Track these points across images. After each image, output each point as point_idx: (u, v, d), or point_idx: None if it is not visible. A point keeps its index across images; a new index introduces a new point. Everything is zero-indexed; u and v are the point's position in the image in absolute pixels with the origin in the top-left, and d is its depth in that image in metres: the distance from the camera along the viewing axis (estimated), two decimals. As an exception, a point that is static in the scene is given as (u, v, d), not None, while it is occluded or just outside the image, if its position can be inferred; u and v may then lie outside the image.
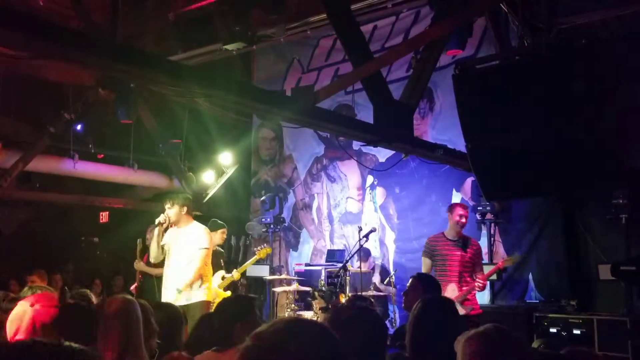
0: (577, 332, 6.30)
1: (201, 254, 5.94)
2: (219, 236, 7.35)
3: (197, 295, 5.94)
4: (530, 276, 7.72)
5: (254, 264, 8.18)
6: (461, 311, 6.08)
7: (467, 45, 6.84)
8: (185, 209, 6.08)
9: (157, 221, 6.10)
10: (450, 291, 6.27)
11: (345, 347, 1.38)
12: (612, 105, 4.56)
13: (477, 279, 6.27)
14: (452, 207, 6.53)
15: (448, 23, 5.36)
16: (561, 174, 4.76)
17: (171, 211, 6.05)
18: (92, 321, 3.04)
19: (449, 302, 3.42)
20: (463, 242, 6.39)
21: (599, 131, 4.49)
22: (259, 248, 8.13)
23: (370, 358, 2.18)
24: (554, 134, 4.62)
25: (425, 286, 4.49)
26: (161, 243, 6.14)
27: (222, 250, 7.77)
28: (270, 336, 1.35)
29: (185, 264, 5.94)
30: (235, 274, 7.49)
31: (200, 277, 5.97)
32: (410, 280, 4.72)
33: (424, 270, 6.52)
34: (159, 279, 6.68)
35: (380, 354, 2.33)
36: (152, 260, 6.39)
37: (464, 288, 6.25)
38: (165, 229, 6.21)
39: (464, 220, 6.36)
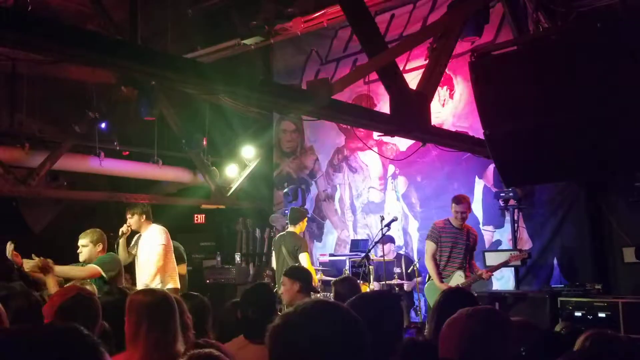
0: (602, 315, 6.27)
1: (158, 250, 6.58)
2: (304, 224, 7.94)
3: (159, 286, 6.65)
4: (555, 261, 7.69)
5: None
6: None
7: (486, 32, 6.80)
8: (144, 216, 6.74)
9: (120, 231, 6.73)
10: (458, 277, 6.74)
11: (361, 323, 1.46)
12: (630, 87, 4.52)
13: (484, 272, 6.80)
14: (457, 200, 6.83)
15: (462, 9, 5.34)
16: (580, 158, 4.75)
17: (132, 220, 6.71)
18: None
19: (468, 293, 3.60)
20: (466, 230, 6.85)
21: (617, 114, 4.46)
22: None
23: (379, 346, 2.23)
24: (572, 118, 4.61)
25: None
26: (129, 248, 6.83)
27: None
28: (297, 317, 1.46)
29: (146, 262, 6.64)
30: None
31: (160, 271, 6.61)
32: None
33: (429, 254, 6.91)
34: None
35: (391, 341, 2.38)
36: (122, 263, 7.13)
37: (469, 274, 6.75)
38: (133, 236, 6.94)
39: (463, 215, 6.79)
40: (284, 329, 1.46)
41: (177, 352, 2.85)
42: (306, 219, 8.05)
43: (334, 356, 1.42)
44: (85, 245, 5.76)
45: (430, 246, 6.87)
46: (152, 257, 6.54)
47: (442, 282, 6.72)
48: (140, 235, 6.79)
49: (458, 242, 6.78)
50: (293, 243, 7.50)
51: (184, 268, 7.76)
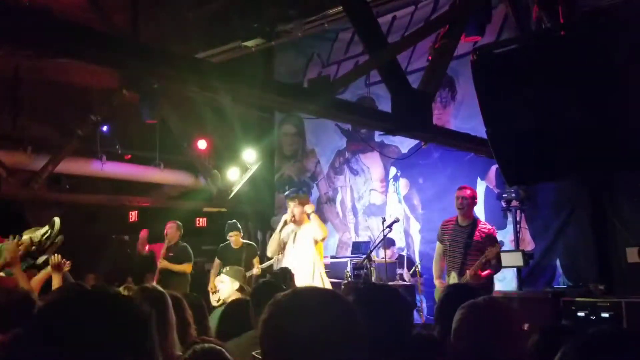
0: (605, 315, 6.24)
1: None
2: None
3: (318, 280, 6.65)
4: (558, 262, 7.66)
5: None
6: None
7: (488, 32, 6.80)
8: (306, 208, 6.75)
9: (284, 219, 6.77)
10: (452, 280, 6.21)
11: (356, 312, 1.45)
12: (633, 84, 4.52)
13: (468, 271, 6.09)
14: (460, 187, 6.49)
15: (463, 6, 5.35)
16: (583, 156, 4.74)
17: (297, 209, 6.69)
18: None
19: (466, 287, 3.57)
20: (471, 227, 6.24)
21: (621, 111, 4.46)
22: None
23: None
24: (574, 116, 4.60)
25: None
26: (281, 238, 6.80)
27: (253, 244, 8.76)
28: (287, 300, 1.47)
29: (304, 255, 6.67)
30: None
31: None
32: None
33: (435, 254, 6.63)
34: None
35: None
36: (269, 254, 7.14)
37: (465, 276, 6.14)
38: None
39: (460, 201, 6.28)
40: (275, 313, 1.46)
41: (170, 345, 2.87)
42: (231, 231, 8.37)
43: (324, 343, 1.39)
44: None
45: (437, 246, 6.60)
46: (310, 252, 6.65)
47: (438, 279, 6.50)
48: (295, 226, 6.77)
49: (456, 240, 6.28)
50: None
51: (189, 267, 8.41)
